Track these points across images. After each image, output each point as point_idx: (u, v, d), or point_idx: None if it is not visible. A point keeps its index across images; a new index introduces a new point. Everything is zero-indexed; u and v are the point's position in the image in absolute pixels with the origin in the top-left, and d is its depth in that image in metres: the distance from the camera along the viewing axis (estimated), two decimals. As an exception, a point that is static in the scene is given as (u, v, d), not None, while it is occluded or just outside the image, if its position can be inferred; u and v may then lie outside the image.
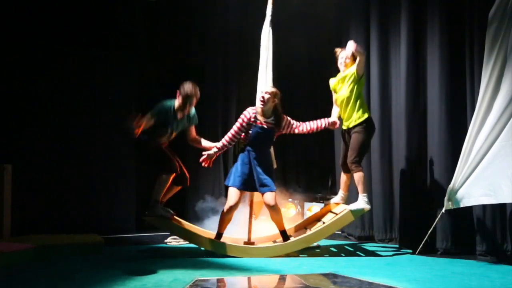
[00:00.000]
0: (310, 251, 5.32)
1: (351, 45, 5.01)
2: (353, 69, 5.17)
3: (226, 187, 5.36)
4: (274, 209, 5.04)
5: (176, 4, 7.35)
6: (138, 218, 6.37)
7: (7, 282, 3.88)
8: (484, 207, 4.81)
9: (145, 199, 5.31)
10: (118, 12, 6.99)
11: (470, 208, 4.90)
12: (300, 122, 5.29)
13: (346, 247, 5.78)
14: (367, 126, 5.18)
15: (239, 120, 5.10)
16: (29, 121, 6.39)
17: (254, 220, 5.48)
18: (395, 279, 3.95)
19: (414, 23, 5.59)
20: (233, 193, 5.03)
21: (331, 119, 5.35)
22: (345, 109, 5.25)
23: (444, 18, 5.27)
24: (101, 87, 6.78)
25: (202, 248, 5.05)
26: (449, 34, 5.23)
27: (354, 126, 5.19)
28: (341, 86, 5.29)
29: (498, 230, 4.77)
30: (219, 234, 5.11)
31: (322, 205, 6.45)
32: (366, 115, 5.20)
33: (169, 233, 5.67)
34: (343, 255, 5.25)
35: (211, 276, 4.09)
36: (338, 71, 5.42)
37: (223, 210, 5.06)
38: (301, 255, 5.12)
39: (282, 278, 4.14)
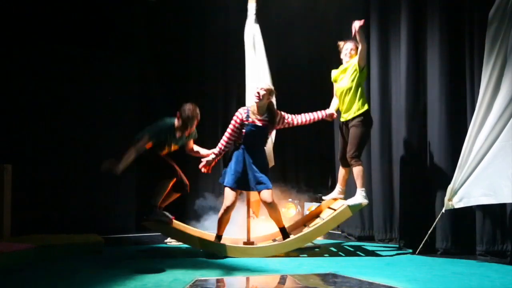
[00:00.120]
0: (310, 251, 5.33)
1: (357, 23, 4.95)
2: (355, 60, 5.15)
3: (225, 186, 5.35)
4: (271, 207, 5.04)
5: (176, 4, 7.36)
6: (138, 218, 6.37)
7: (7, 282, 3.88)
8: (484, 207, 4.80)
9: (145, 199, 5.30)
10: (118, 13, 7.00)
11: (470, 208, 4.90)
12: (295, 115, 5.28)
13: (346, 247, 5.78)
14: (365, 119, 5.16)
15: (232, 122, 5.09)
16: (29, 121, 6.40)
17: (254, 219, 5.48)
18: (395, 279, 3.95)
19: (414, 23, 5.58)
20: (228, 193, 5.03)
21: (328, 111, 5.34)
22: (344, 100, 5.21)
23: (444, 18, 5.27)
24: (101, 87, 6.79)
25: (202, 251, 5.05)
26: (449, 34, 5.23)
27: (353, 119, 5.16)
28: (342, 77, 5.27)
29: (498, 230, 4.77)
30: (219, 236, 5.11)
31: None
32: (365, 107, 5.19)
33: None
34: (343, 255, 5.25)
35: (211, 276, 4.10)
36: (338, 67, 5.41)
37: (220, 211, 5.06)
38: (301, 255, 5.12)
39: (282, 278, 4.14)
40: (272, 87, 5.17)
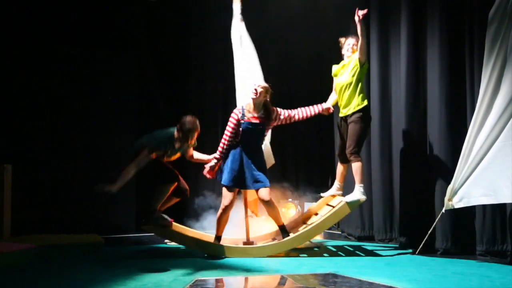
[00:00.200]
0: (310, 251, 5.33)
1: (360, 12, 4.95)
2: (356, 55, 5.15)
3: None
4: (269, 205, 5.02)
5: (176, 4, 7.36)
6: (138, 218, 6.37)
7: (7, 282, 3.88)
8: (484, 207, 4.80)
9: (145, 199, 5.30)
10: (118, 13, 7.00)
11: (470, 208, 4.90)
12: (292, 110, 5.27)
13: (346, 247, 5.78)
14: (363, 115, 5.15)
15: (229, 124, 5.08)
16: (29, 121, 6.41)
17: (253, 218, 5.47)
18: (395, 279, 3.95)
19: (414, 23, 5.58)
20: (226, 193, 5.02)
21: (325, 105, 5.34)
22: (344, 95, 5.20)
23: (444, 18, 5.26)
24: (101, 87, 6.80)
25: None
26: (449, 34, 5.23)
27: (352, 114, 5.15)
28: (343, 72, 5.27)
29: (498, 230, 4.77)
30: (218, 237, 5.10)
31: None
32: (365, 103, 5.18)
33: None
34: (343, 255, 5.25)
35: (211, 276, 4.09)
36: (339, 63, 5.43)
37: (219, 211, 5.05)
38: (301, 255, 5.12)
39: (282, 278, 4.14)
40: (269, 86, 5.17)
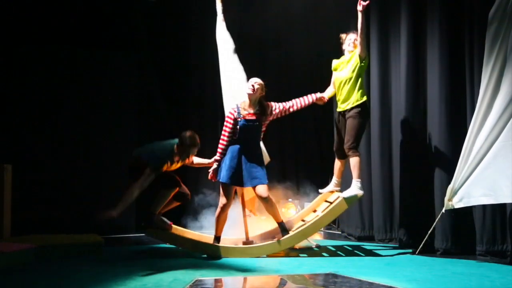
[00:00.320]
0: (310, 251, 5.33)
1: (362, 1, 4.97)
2: (358, 50, 5.16)
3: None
4: (267, 201, 5.00)
5: (176, 4, 7.36)
6: (138, 218, 6.37)
7: (7, 282, 3.88)
8: (484, 207, 4.80)
9: (145, 201, 5.29)
10: (118, 13, 7.00)
11: (470, 208, 4.90)
12: (286, 102, 5.28)
13: (346, 247, 5.78)
14: (362, 110, 5.15)
15: (226, 124, 5.10)
16: (29, 121, 6.41)
17: (252, 217, 5.47)
18: (395, 279, 3.95)
19: (414, 23, 5.58)
20: (225, 191, 5.02)
21: (319, 94, 5.35)
22: (343, 90, 5.20)
23: (444, 18, 5.26)
24: (101, 87, 6.79)
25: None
26: (449, 34, 5.23)
27: (350, 109, 5.15)
28: (343, 67, 5.27)
29: (498, 230, 4.76)
30: (217, 238, 5.10)
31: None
32: (364, 98, 5.19)
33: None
34: (343, 255, 5.25)
35: (211, 276, 4.10)
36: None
37: (217, 210, 5.05)
38: (301, 255, 5.12)
39: (282, 278, 4.14)
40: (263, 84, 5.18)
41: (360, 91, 5.16)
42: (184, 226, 5.98)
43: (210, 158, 5.24)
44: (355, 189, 5.09)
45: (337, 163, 5.47)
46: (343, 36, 5.38)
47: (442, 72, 5.24)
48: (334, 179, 5.50)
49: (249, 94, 5.08)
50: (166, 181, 4.99)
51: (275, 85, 7.42)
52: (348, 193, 5.09)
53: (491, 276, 4.10)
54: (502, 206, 4.71)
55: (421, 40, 5.53)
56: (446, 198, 4.89)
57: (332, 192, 5.50)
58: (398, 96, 5.84)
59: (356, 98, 5.14)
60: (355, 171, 5.10)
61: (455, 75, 5.19)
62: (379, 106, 6.08)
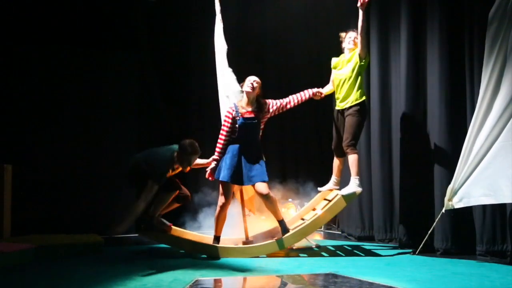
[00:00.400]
0: (310, 251, 5.33)
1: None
2: (357, 50, 5.16)
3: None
4: (267, 199, 4.99)
5: (176, 4, 7.36)
6: (138, 219, 6.36)
7: (7, 282, 3.88)
8: (484, 207, 4.80)
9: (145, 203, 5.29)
10: (118, 13, 7.00)
11: (470, 208, 4.90)
12: (283, 99, 5.30)
13: (346, 247, 5.78)
14: (361, 108, 5.15)
15: (224, 123, 5.12)
16: (30, 121, 6.41)
17: (252, 217, 5.46)
18: (395, 279, 3.95)
19: (414, 23, 5.58)
20: (224, 189, 5.02)
21: (315, 89, 5.37)
22: (342, 88, 5.21)
23: (444, 18, 5.26)
24: (102, 87, 6.80)
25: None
26: (449, 34, 5.23)
27: (349, 108, 5.16)
28: (342, 66, 5.28)
29: (498, 230, 4.76)
30: (217, 238, 5.10)
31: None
32: (364, 97, 5.19)
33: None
34: (343, 255, 5.25)
35: (211, 276, 4.10)
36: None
37: (217, 209, 5.05)
38: (301, 255, 5.12)
39: (282, 278, 4.14)
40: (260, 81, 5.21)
41: (360, 90, 5.16)
42: (184, 226, 5.98)
43: (209, 158, 5.24)
44: (353, 186, 5.09)
45: (336, 162, 5.48)
46: (342, 34, 5.38)
47: (442, 72, 5.24)
48: (333, 178, 5.50)
49: (248, 92, 5.10)
50: (166, 185, 4.99)
51: (274, 85, 7.47)
52: (346, 190, 5.10)
53: (491, 276, 4.10)
54: (502, 206, 4.71)
55: (421, 40, 5.53)
56: (446, 198, 4.89)
57: (331, 190, 5.50)
58: (398, 96, 5.84)
59: (356, 97, 5.14)
60: (353, 169, 5.10)
61: (455, 75, 5.19)
62: (379, 105, 6.08)
